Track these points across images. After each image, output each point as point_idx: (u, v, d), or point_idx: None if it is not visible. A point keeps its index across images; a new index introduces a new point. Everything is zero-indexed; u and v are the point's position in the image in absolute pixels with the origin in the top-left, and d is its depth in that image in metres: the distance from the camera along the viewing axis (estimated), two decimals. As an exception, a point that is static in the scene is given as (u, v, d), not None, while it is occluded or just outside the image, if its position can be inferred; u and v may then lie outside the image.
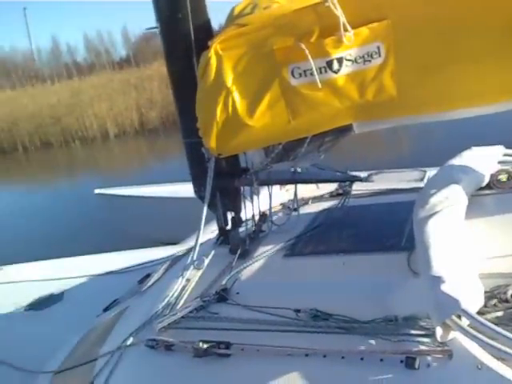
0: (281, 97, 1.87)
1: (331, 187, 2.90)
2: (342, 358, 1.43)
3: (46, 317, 3.11)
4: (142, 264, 3.46)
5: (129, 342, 1.87)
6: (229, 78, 1.89)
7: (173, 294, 1.99)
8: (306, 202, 2.69)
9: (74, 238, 7.24)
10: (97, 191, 6.56)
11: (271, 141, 2.05)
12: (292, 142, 2.08)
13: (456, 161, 2.20)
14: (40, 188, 13.97)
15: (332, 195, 2.82)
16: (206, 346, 1.59)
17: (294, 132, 1.95)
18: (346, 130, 2.02)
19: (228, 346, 1.58)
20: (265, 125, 1.90)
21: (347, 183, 2.66)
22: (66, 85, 25.13)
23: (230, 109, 1.91)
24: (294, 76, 1.85)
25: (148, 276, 2.87)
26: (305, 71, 1.82)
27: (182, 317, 1.81)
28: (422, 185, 2.69)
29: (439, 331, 1.33)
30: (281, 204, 2.79)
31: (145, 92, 19.97)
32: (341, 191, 2.81)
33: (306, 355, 1.47)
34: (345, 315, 1.57)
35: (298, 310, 1.65)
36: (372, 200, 2.66)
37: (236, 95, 1.89)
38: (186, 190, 5.66)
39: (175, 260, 2.84)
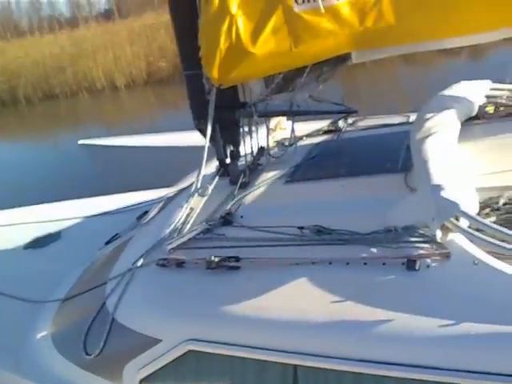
0: (284, 23, 1.89)
1: (323, 124, 2.96)
2: (347, 264, 1.54)
3: (46, 254, 3.16)
4: (137, 204, 3.51)
5: (139, 263, 1.97)
6: (233, 4, 1.91)
7: (179, 220, 2.08)
8: (300, 138, 2.75)
9: (59, 188, 7.22)
10: (80, 142, 6.49)
11: (273, 69, 2.07)
12: (292, 71, 2.12)
13: (447, 92, 2.28)
14: (41, 140, 13.72)
15: (324, 132, 2.88)
16: (217, 259, 1.70)
17: (296, 60, 1.98)
18: (344, 59, 2.07)
19: (238, 259, 1.69)
20: (267, 52, 1.93)
21: (342, 117, 2.73)
22: (55, 36, 23.81)
23: (234, 36, 1.93)
24: (297, 2, 1.87)
25: (146, 213, 2.93)
26: None
27: (190, 238, 1.90)
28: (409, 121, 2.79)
29: (439, 234, 1.43)
30: (275, 141, 2.85)
31: (148, 40, 19.10)
32: (332, 128, 2.88)
33: (313, 263, 1.58)
34: (347, 230, 1.67)
35: (301, 228, 1.74)
36: (365, 133, 2.74)
37: (240, 22, 1.92)
38: (171, 139, 5.70)
39: (171, 198, 2.90)
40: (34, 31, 28.51)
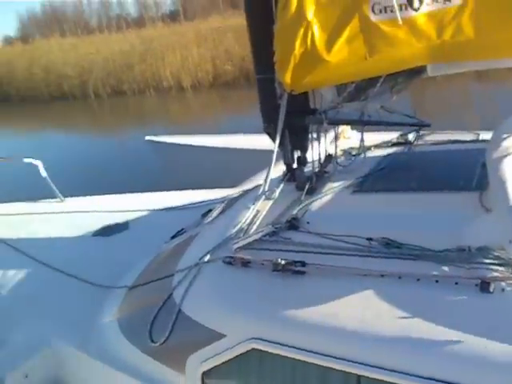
0: (359, 32, 1.90)
1: (392, 136, 2.94)
2: (417, 280, 1.52)
3: (114, 242, 3.32)
4: (201, 202, 3.62)
5: (206, 258, 2.04)
6: (310, 11, 1.93)
7: (245, 221, 2.14)
8: (368, 148, 2.74)
9: (125, 180, 7.47)
10: (147, 138, 6.72)
11: (346, 78, 2.08)
12: (365, 81, 2.13)
13: None
14: (108, 134, 14.16)
15: (394, 144, 2.86)
16: (283, 262, 1.73)
17: (370, 69, 1.98)
18: (419, 71, 2.05)
19: (304, 264, 1.72)
20: (341, 61, 1.93)
21: (413, 130, 2.70)
22: (124, 34, 24.82)
23: (309, 42, 1.95)
24: (374, 12, 1.87)
25: (210, 211, 3.02)
26: (385, 7, 1.85)
27: (256, 239, 1.95)
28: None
29: None
30: (341, 150, 2.86)
31: (215, 43, 19.35)
32: (402, 140, 2.85)
33: (382, 276, 1.58)
34: (417, 245, 1.66)
35: (370, 239, 1.75)
36: (436, 148, 2.70)
37: (316, 29, 1.93)
38: (234, 141, 5.80)
39: (235, 199, 2.97)
40: (103, 29, 29.83)
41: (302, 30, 1.96)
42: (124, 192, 4.47)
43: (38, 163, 4.29)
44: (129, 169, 8.49)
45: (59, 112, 18.97)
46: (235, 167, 5.62)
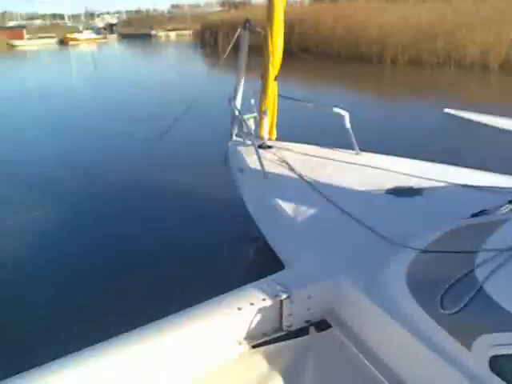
0: None
1: None
2: None
3: (405, 204, 3.36)
4: (503, 188, 3.39)
5: None
6: None
7: None
8: None
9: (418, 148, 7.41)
10: (446, 110, 6.66)
11: None
12: None
13: None
14: (400, 101, 14.21)
15: None
16: None
17: None
18: None
19: None
20: None
21: None
22: (435, 4, 23.38)
23: None
24: None
25: None
26: None
27: None
28: None
29: None
30: None
31: None
32: None
33: None
34: None
35: None
36: None
37: None
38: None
39: None
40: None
41: None
42: (414, 157, 4.43)
43: (345, 114, 4.53)
44: (423, 137, 8.44)
45: (355, 72, 19.56)
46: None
